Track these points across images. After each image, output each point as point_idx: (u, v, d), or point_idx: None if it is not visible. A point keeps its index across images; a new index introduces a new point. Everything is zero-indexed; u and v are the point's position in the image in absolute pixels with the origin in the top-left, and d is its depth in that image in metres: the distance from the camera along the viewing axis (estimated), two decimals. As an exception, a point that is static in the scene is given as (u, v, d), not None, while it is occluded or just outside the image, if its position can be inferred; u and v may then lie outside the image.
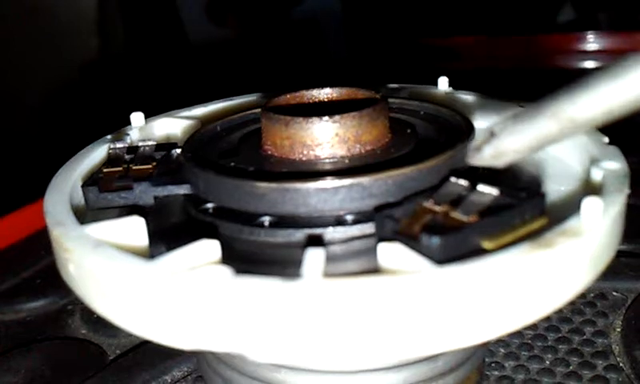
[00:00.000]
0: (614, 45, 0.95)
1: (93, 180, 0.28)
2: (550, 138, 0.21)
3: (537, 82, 0.86)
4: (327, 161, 0.26)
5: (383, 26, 1.10)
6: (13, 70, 0.71)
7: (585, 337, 0.36)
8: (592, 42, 0.97)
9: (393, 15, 1.11)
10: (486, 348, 0.33)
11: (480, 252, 0.20)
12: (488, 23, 1.06)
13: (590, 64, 0.95)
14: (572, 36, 0.98)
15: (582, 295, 0.39)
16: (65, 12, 0.81)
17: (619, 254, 0.24)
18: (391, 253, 0.21)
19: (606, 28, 1.00)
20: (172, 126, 0.36)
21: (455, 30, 1.05)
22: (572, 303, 0.38)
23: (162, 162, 0.29)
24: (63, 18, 0.80)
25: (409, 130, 0.29)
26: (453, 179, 0.24)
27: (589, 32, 0.97)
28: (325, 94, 0.31)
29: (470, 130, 0.28)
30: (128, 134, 0.33)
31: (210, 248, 0.22)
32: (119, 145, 0.31)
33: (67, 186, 0.27)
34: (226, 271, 0.19)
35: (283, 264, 0.23)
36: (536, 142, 0.22)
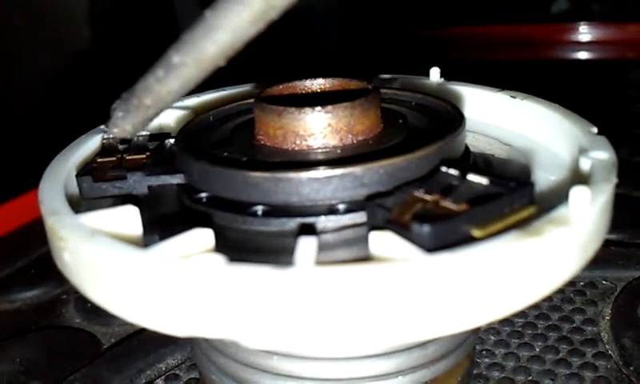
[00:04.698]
0: (608, 36, 0.95)
1: (87, 170, 0.28)
2: (150, 116, 0.28)
3: (529, 72, 0.87)
4: (320, 151, 0.27)
5: (375, 16, 1.10)
6: (7, 59, 0.71)
7: (574, 325, 0.36)
8: (585, 32, 0.97)
9: (385, 5, 1.11)
10: (477, 335, 0.34)
11: (470, 240, 0.20)
12: (480, 13, 1.07)
13: (583, 55, 0.95)
14: (565, 26, 0.99)
15: (572, 283, 0.39)
16: (59, 1, 0.80)
17: (609, 243, 0.24)
18: (382, 241, 0.21)
19: (600, 19, 1.00)
20: (165, 116, 0.36)
21: (447, 21, 1.05)
22: (562, 291, 0.39)
23: (155, 151, 0.29)
24: (57, 6, 0.80)
25: (400, 121, 0.30)
26: (443, 169, 0.24)
27: (582, 23, 0.97)
28: (317, 84, 0.31)
29: (460, 120, 0.28)
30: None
31: (204, 237, 0.22)
32: (113, 135, 0.31)
33: (61, 175, 0.27)
34: (220, 259, 0.19)
35: (276, 252, 0.23)
36: (138, 120, 0.28)
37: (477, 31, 1.01)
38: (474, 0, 1.10)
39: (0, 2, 0.71)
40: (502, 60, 0.96)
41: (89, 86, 0.79)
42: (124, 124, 0.29)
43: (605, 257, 0.40)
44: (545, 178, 0.27)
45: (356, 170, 0.24)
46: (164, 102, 0.27)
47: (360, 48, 1.08)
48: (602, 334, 0.35)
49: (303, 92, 0.31)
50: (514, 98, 0.33)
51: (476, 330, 0.31)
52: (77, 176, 0.28)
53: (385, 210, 0.22)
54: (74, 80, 0.79)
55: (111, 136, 0.31)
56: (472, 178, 0.23)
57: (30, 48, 0.74)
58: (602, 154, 0.25)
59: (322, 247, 0.22)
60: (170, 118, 0.36)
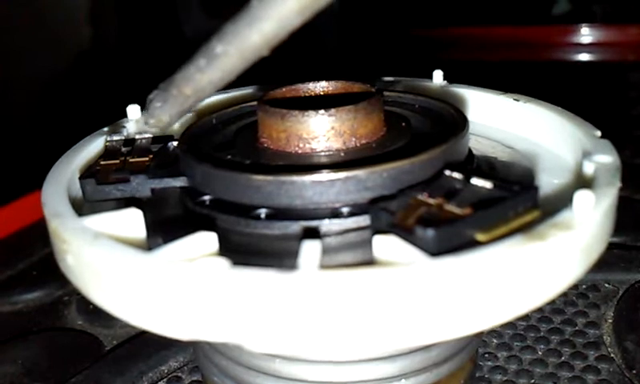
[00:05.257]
0: (609, 37, 0.95)
1: (90, 172, 0.28)
2: (188, 106, 0.28)
3: (530, 73, 0.87)
4: (323, 154, 0.27)
5: (376, 16, 1.10)
6: (9, 61, 0.71)
7: (577, 328, 0.36)
8: (586, 34, 0.97)
9: (385, 5, 1.11)
10: (480, 338, 0.34)
11: (474, 244, 0.20)
12: (481, 14, 1.06)
13: (584, 57, 0.95)
14: (566, 28, 0.98)
15: (575, 286, 0.39)
16: (60, 2, 0.80)
17: (611, 246, 0.24)
18: (386, 245, 0.21)
19: (601, 21, 1.00)
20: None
21: (448, 21, 1.05)
22: (564, 294, 0.38)
23: (158, 154, 0.29)
24: (58, 6, 0.80)
25: (404, 124, 0.30)
26: (447, 172, 0.24)
27: (583, 24, 0.97)
28: (321, 87, 0.31)
29: (464, 123, 0.28)
30: (125, 127, 0.33)
31: (208, 240, 0.22)
32: (116, 137, 0.31)
33: (64, 178, 0.27)
34: (224, 263, 0.19)
35: (280, 256, 0.23)
36: (176, 111, 0.28)
37: (478, 32, 1.01)
38: (475, 0, 1.10)
39: (0, 2, 0.71)
40: (503, 61, 0.96)
41: (91, 87, 0.79)
42: (161, 114, 0.29)
43: (607, 259, 0.40)
44: (548, 181, 0.27)
45: (359, 173, 0.24)
46: (204, 91, 0.27)
47: (360, 48, 1.08)
48: (605, 336, 0.35)
49: (306, 95, 0.31)
50: (517, 100, 0.33)
51: (479, 333, 0.31)
52: (80, 179, 0.28)
53: (388, 214, 0.22)
54: (75, 80, 0.79)
55: (113, 138, 0.31)
56: (476, 181, 0.23)
57: (30, 48, 0.74)
58: (605, 158, 0.25)
59: (326, 251, 0.22)
60: (172, 121, 0.36)
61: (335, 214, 0.24)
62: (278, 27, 0.23)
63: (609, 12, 1.05)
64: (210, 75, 0.25)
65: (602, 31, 0.96)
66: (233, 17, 0.23)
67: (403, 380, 0.26)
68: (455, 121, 0.28)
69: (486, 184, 0.23)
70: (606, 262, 0.40)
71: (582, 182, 0.24)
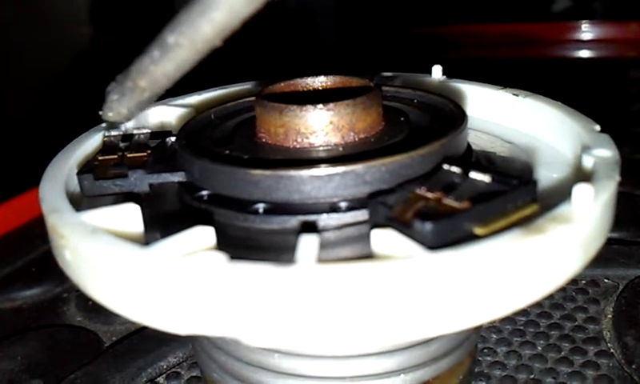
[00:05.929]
0: (609, 34, 0.95)
1: (88, 168, 0.28)
2: (146, 99, 0.28)
3: (531, 70, 0.87)
4: (321, 148, 0.27)
5: (376, 14, 1.10)
6: (8, 57, 0.71)
7: (576, 323, 0.36)
8: (587, 31, 0.97)
9: (385, 3, 1.11)
10: (479, 333, 0.34)
11: (472, 238, 0.20)
12: (482, 11, 1.06)
13: (584, 53, 0.95)
14: (567, 25, 0.98)
15: (574, 282, 0.39)
16: (60, 1, 0.80)
17: (611, 242, 0.24)
18: (384, 239, 0.21)
19: (601, 17, 1.00)
20: (166, 113, 0.36)
21: (449, 18, 1.05)
22: (564, 290, 0.38)
23: (156, 149, 0.29)
24: (57, 4, 0.80)
25: (402, 118, 0.30)
26: (445, 166, 0.24)
27: (583, 21, 0.97)
28: (319, 82, 0.31)
29: (462, 117, 0.28)
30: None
31: (205, 234, 0.22)
32: (114, 133, 0.31)
33: (62, 173, 0.27)
34: (221, 257, 0.19)
35: (278, 250, 0.23)
36: (133, 103, 0.28)
37: (478, 29, 1.01)
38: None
39: (0, 2, 0.71)
40: (504, 58, 0.96)
41: (89, 84, 0.79)
42: (119, 107, 0.29)
43: (607, 255, 0.40)
44: (547, 175, 0.27)
45: (358, 167, 0.24)
46: (159, 84, 0.26)
47: (360, 46, 1.08)
48: (605, 332, 0.35)
49: (304, 90, 0.31)
50: (517, 95, 0.33)
51: (478, 328, 0.31)
52: (78, 174, 0.28)
53: (387, 208, 0.22)
54: (74, 78, 0.79)
55: (111, 134, 0.31)
56: (474, 175, 0.23)
57: (29, 46, 0.74)
58: (604, 152, 0.25)
59: (324, 245, 0.22)
60: (171, 116, 0.36)
61: (333, 208, 0.24)
62: (228, 16, 0.22)
63: (609, 9, 1.05)
64: (163, 67, 0.25)
65: (602, 28, 0.96)
66: (184, 7, 0.23)
67: (402, 375, 0.26)
68: (454, 115, 0.28)
69: (485, 178, 0.23)
70: (605, 258, 0.40)
71: (581, 175, 0.24)
